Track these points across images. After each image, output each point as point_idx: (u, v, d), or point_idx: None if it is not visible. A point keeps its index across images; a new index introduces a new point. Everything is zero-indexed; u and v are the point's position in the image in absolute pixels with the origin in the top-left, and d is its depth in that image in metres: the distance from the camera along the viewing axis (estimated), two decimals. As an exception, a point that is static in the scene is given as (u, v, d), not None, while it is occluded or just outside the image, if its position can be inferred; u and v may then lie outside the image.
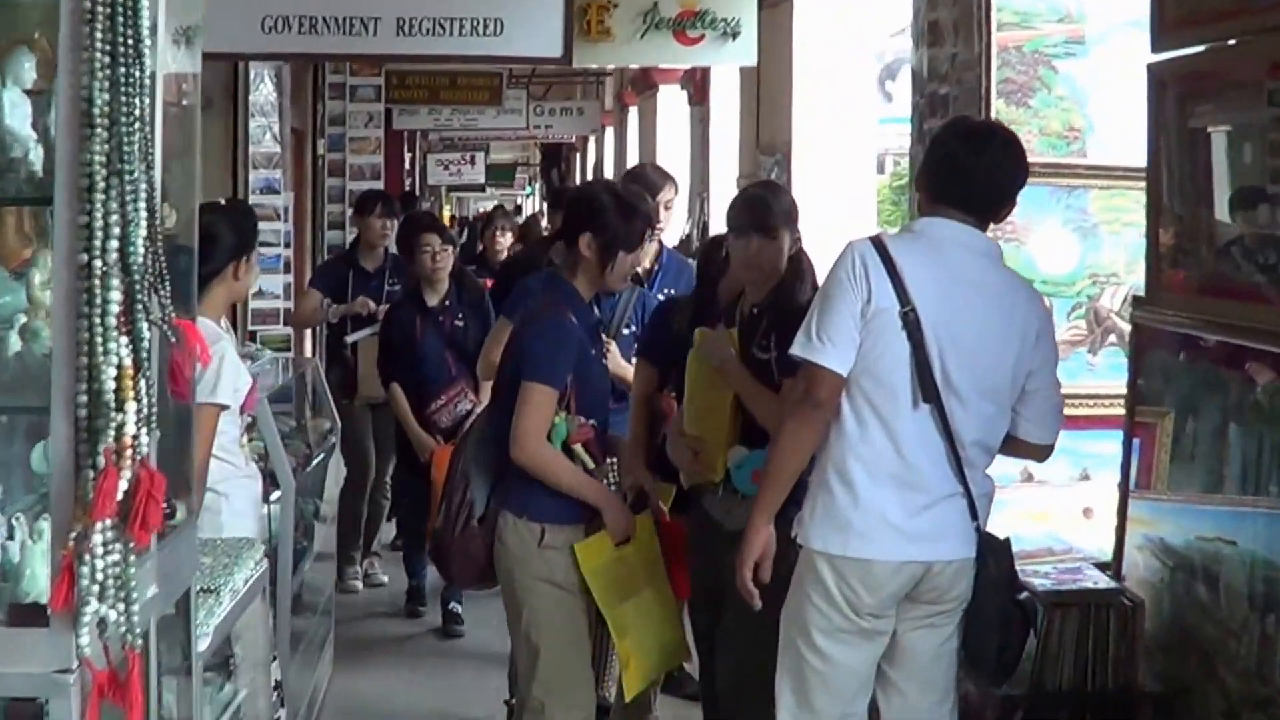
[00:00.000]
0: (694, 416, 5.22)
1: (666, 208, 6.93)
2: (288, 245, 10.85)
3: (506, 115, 20.62)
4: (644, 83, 18.39)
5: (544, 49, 7.30)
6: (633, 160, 20.11)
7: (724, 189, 12.98)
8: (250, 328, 10.49)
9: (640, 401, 5.66)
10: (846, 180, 10.84)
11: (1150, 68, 4.91)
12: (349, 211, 12.91)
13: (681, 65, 11.60)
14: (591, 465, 5.07)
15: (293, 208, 12.44)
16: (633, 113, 20.81)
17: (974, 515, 4.37)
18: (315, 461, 6.67)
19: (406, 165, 22.68)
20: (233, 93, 10.44)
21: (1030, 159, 4.72)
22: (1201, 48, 4.63)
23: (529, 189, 44.06)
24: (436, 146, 27.73)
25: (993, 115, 6.03)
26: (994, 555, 4.39)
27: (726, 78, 13.59)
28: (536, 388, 4.89)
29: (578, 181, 31.78)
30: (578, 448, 5.04)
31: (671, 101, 17.21)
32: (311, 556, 6.66)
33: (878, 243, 4.36)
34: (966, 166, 4.42)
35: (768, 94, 11.57)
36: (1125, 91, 5.70)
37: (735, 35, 10.75)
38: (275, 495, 5.88)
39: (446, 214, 37.30)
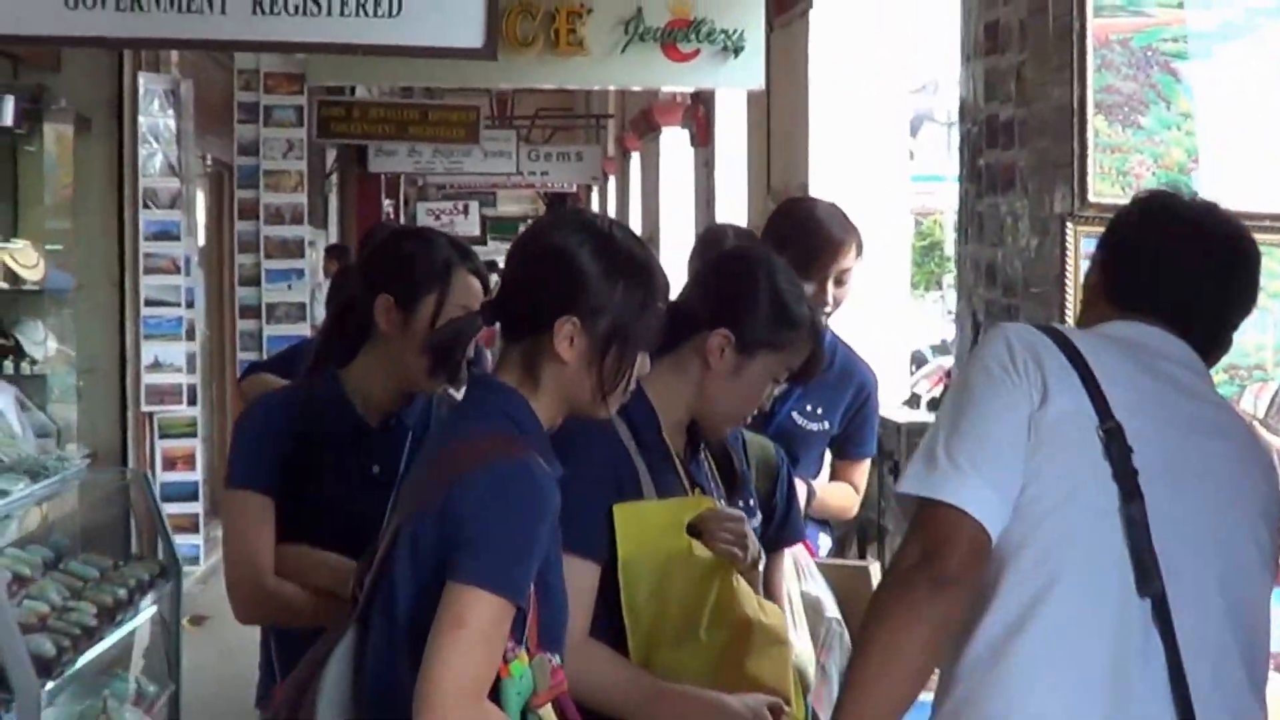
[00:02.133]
0: (721, 658, 3.13)
1: (839, 282, 4.60)
2: (190, 304, 9.02)
3: (494, 159, 18.87)
4: (645, 124, 17.08)
5: (458, 38, 5.45)
6: (635, 212, 18.65)
7: (730, 242, 11.51)
8: (145, 408, 8.67)
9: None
10: (874, 233, 9.16)
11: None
12: (264, 263, 11.04)
13: (671, 86, 9.81)
14: None
15: (203, 258, 10.67)
16: (635, 158, 19.29)
17: None
18: (115, 635, 4.71)
19: (389, 213, 21.00)
20: (117, 111, 8.68)
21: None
22: None
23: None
24: (432, 195, 26.21)
25: (1089, 139, 4.43)
26: None
27: (734, 114, 12.09)
28: (483, 599, 2.54)
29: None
30: (546, 711, 2.70)
31: (675, 145, 16.11)
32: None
33: (1051, 330, 2.73)
34: (1189, 269, 2.84)
35: (779, 129, 10.13)
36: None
37: (737, 51, 9.07)
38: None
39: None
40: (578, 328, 2.71)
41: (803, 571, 3.85)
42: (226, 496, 3.51)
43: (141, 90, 8.67)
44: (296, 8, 5.45)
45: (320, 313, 7.51)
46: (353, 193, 18.50)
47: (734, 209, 12.10)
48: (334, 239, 16.99)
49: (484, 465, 2.60)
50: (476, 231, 26.10)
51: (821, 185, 9.33)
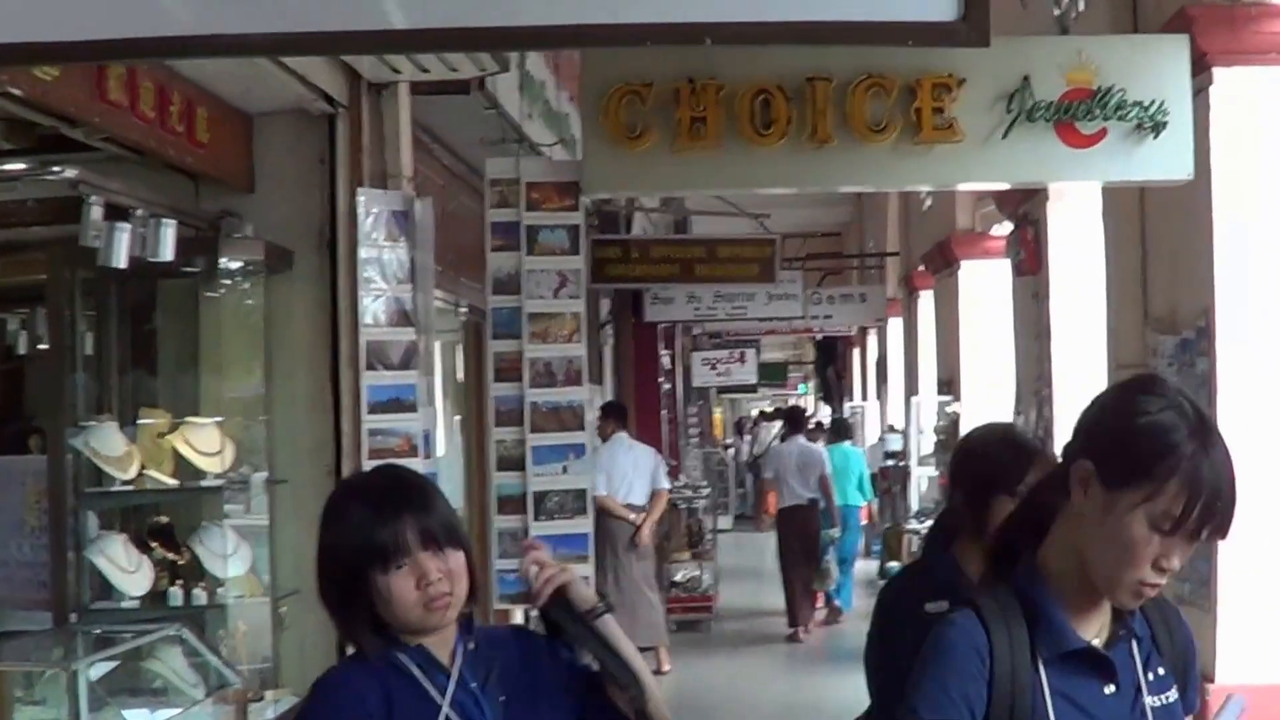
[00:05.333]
0: None
1: None
2: (441, 500, 6.16)
3: (779, 302, 16.17)
4: (941, 259, 14.59)
5: (908, 6, 2.55)
6: (927, 358, 16.05)
7: (1074, 385, 9.46)
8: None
9: None
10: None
11: None
12: (530, 438, 7.03)
13: (1069, 179, 7.00)
14: None
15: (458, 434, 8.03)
16: (925, 296, 16.67)
17: None
18: None
19: (666, 364, 18.54)
20: (329, 241, 6.08)
21: None
22: None
23: (802, 388, 40.92)
24: (704, 344, 23.86)
25: None
26: None
27: (1069, 229, 9.81)
28: None
29: (857, 379, 27.68)
30: None
31: (977, 279, 13.87)
32: None
33: None
34: None
35: (1163, 238, 7.63)
36: None
37: (1157, 129, 6.32)
38: None
39: (718, 417, 33.58)
40: None
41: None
42: None
43: (362, 212, 6.03)
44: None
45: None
46: (628, 344, 15.97)
47: (1078, 347, 9.52)
48: (609, 396, 14.44)
49: None
50: (754, 379, 23.70)
51: (1231, 306, 6.68)
